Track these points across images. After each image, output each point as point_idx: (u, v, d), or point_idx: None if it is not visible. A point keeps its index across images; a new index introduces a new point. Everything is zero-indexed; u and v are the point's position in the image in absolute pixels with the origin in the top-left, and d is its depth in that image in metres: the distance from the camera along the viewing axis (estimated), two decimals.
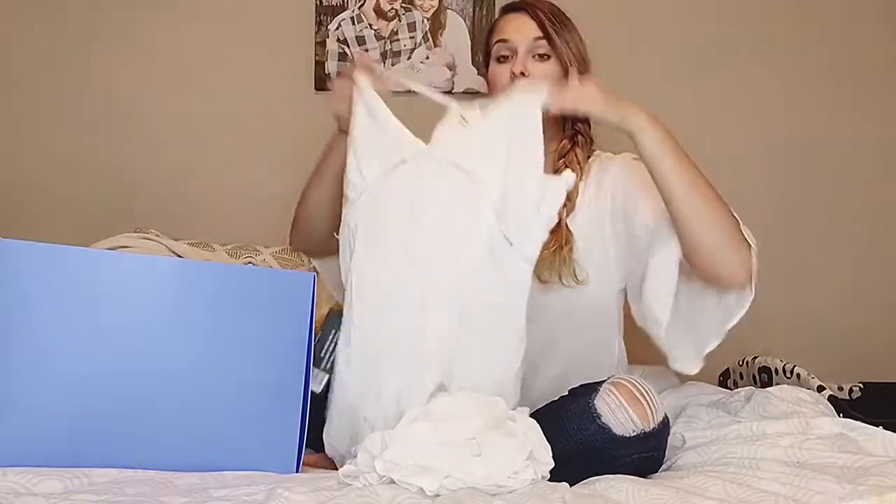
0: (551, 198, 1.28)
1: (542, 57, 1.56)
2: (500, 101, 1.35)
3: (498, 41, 1.59)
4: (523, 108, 1.31)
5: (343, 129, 1.41)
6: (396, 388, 1.26)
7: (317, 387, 1.34)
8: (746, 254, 1.38)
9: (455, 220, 1.29)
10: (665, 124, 1.38)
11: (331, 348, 1.38)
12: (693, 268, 1.41)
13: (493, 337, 1.29)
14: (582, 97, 1.37)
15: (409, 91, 1.43)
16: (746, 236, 1.41)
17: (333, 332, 1.37)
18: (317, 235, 1.59)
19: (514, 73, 1.54)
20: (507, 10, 1.64)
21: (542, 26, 1.56)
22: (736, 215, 1.40)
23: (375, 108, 1.35)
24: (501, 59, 1.58)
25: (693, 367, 1.47)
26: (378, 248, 1.31)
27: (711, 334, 1.46)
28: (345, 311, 1.31)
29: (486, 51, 1.66)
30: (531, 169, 1.28)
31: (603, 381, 1.30)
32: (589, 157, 1.61)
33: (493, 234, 1.27)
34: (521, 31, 1.57)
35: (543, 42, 1.55)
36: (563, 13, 1.61)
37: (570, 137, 1.60)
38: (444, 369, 1.26)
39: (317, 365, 1.35)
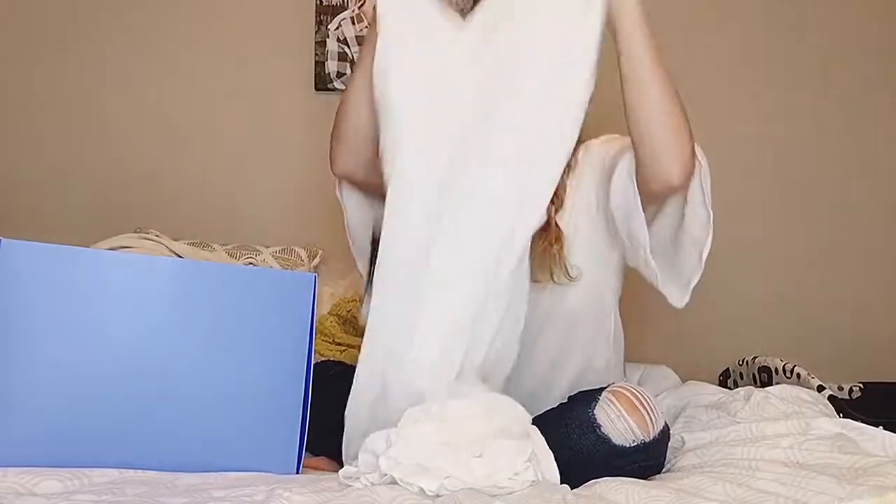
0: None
1: None
2: None
3: None
4: None
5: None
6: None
7: None
8: (688, 151, 1.34)
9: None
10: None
11: None
12: (637, 163, 1.37)
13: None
14: None
15: None
16: (699, 154, 1.38)
17: None
18: (364, 152, 1.45)
19: None
20: None
21: None
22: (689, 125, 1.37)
23: None
24: None
25: (682, 302, 1.45)
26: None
27: (693, 270, 1.42)
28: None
29: None
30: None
31: (603, 389, 1.30)
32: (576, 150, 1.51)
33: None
34: None
35: None
36: None
37: None
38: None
39: None
